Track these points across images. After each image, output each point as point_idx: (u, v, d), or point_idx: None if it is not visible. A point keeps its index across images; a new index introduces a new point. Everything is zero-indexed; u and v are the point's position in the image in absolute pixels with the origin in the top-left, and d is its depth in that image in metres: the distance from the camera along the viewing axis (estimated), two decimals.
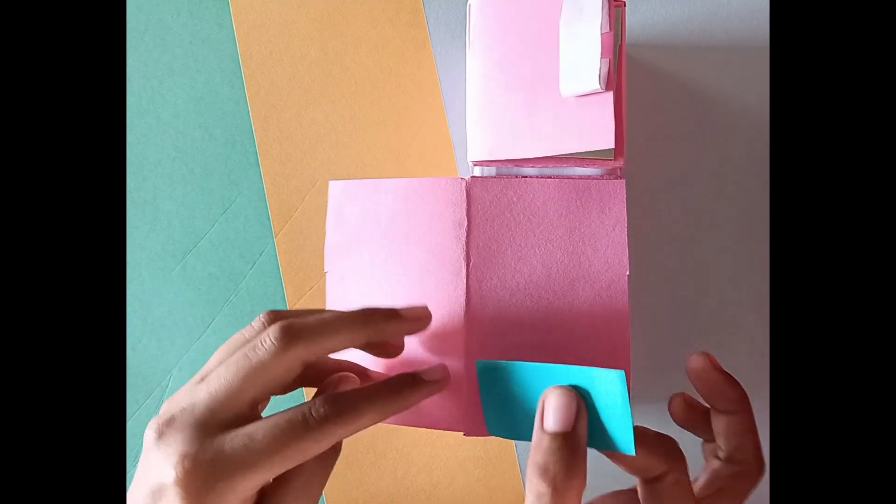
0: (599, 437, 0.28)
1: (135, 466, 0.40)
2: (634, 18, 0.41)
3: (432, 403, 0.32)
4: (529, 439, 0.28)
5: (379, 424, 0.33)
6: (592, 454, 0.28)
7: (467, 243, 0.33)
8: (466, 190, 0.33)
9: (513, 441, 0.40)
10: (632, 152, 0.40)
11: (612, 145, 0.32)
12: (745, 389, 0.39)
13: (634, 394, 0.40)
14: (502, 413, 0.31)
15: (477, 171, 0.34)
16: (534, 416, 0.28)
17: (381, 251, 0.34)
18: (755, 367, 0.40)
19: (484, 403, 0.31)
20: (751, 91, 0.40)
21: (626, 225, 0.33)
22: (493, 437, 0.40)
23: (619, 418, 0.27)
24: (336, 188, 0.35)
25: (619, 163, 0.33)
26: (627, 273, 0.33)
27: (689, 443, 0.31)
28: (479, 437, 0.40)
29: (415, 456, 0.40)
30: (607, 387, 0.27)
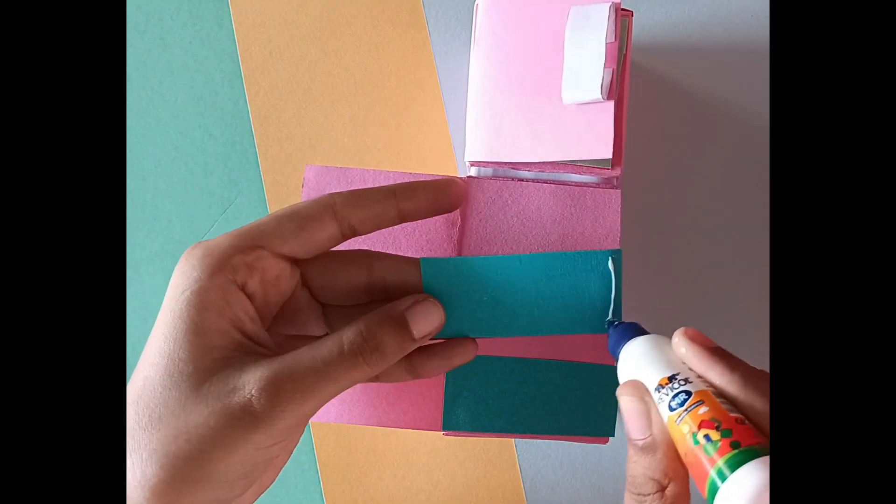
0: (581, 425, 0.32)
1: None
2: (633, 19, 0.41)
3: (410, 402, 0.32)
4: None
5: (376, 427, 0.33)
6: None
7: (459, 242, 0.33)
8: None
9: (513, 441, 0.40)
10: (631, 152, 0.40)
11: (610, 155, 0.32)
12: None
13: None
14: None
15: (473, 172, 0.34)
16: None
17: (363, 240, 0.34)
18: (755, 367, 0.40)
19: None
20: (750, 92, 0.40)
21: (618, 235, 0.33)
22: (493, 438, 0.40)
23: (603, 406, 0.32)
24: (312, 172, 0.34)
25: (616, 172, 0.33)
26: None
27: None
28: (480, 438, 0.40)
29: (415, 456, 0.40)
30: (598, 379, 0.32)
